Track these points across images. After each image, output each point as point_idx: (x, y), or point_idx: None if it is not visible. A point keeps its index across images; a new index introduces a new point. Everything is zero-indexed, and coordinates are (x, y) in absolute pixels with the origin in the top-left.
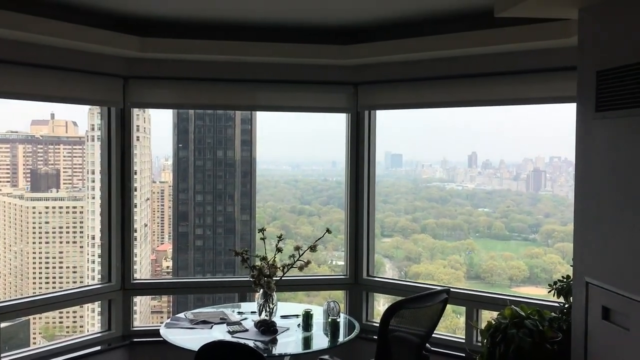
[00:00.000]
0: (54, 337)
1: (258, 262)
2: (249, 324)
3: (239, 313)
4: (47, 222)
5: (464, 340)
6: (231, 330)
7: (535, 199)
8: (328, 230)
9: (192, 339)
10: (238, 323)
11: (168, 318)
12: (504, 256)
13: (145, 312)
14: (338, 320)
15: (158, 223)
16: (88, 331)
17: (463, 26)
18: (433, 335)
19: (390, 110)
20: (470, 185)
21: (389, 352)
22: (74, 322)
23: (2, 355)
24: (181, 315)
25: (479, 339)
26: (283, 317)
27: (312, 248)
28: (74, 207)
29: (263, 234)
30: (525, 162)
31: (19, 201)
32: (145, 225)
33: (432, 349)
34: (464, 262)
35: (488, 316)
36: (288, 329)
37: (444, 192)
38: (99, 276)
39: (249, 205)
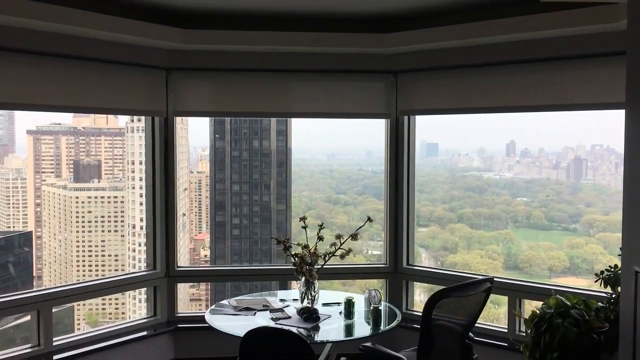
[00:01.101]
0: (97, 323)
1: (299, 250)
2: (291, 311)
3: (281, 300)
4: (89, 212)
5: (506, 330)
6: (274, 317)
7: (576, 188)
8: (369, 219)
9: (236, 325)
10: (281, 310)
11: (207, 306)
12: (544, 246)
13: (184, 300)
14: (380, 308)
15: (196, 213)
16: (129, 318)
17: (505, 12)
18: (475, 324)
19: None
20: (509, 174)
21: (432, 341)
22: (116, 309)
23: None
24: (225, 302)
25: (522, 328)
26: (325, 304)
27: (354, 236)
28: (115, 197)
29: (304, 222)
30: (566, 150)
31: (62, 191)
32: (184, 215)
33: (475, 338)
34: (501, 252)
35: (529, 306)
36: (330, 316)
37: (481, 181)
38: (140, 264)
39: (284, 194)
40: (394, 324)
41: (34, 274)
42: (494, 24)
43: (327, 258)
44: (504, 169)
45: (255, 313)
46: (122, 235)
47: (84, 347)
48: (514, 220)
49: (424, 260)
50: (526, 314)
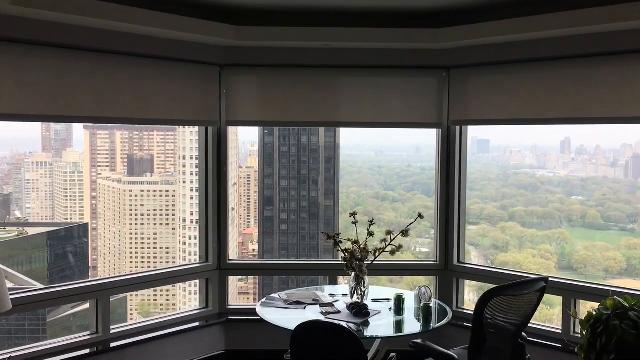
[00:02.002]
0: (149, 314)
1: (349, 246)
2: (340, 306)
3: (331, 295)
4: (142, 205)
5: (560, 331)
6: (324, 312)
7: (634, 187)
8: (420, 215)
9: (287, 318)
10: (330, 304)
11: (255, 299)
12: (599, 247)
13: (233, 293)
14: (431, 305)
15: (244, 207)
16: (180, 309)
17: (560, 6)
18: (528, 324)
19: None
20: (563, 172)
21: (483, 340)
22: (167, 300)
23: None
24: (275, 295)
25: (577, 329)
26: (374, 300)
27: (405, 233)
28: (167, 191)
29: (354, 218)
30: (624, 148)
31: (117, 185)
32: (233, 209)
33: (528, 338)
34: (554, 252)
35: (583, 308)
36: (380, 312)
37: (534, 179)
38: (190, 257)
39: (332, 190)
40: (444, 321)
41: (90, 265)
42: (549, 18)
43: (377, 254)
44: (558, 167)
45: (305, 307)
46: (173, 229)
47: (138, 336)
48: (569, 219)
49: (473, 258)
50: (581, 315)
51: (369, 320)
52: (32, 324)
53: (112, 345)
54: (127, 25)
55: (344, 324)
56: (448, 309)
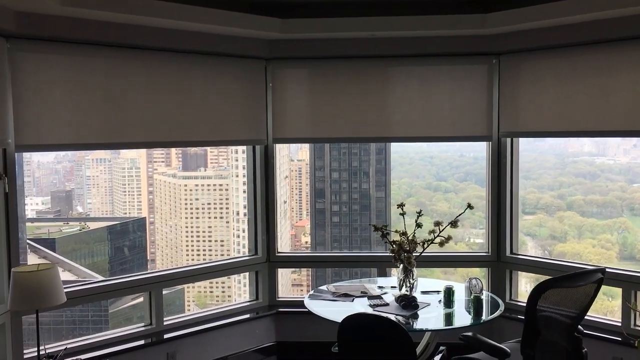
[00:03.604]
0: (205, 305)
1: (397, 238)
2: (389, 298)
3: (379, 287)
4: (196, 199)
5: (620, 324)
6: (372, 304)
7: None
8: (469, 206)
9: (334, 310)
10: (379, 297)
11: (308, 291)
12: None
13: (286, 285)
14: (481, 297)
15: (296, 200)
16: (235, 301)
17: None
18: (585, 317)
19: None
20: (624, 158)
21: (537, 333)
22: (223, 292)
23: (164, 318)
24: (323, 287)
25: (638, 322)
26: (423, 292)
27: (453, 224)
28: (220, 185)
29: (402, 209)
30: None
31: (172, 179)
32: (285, 202)
33: (585, 331)
34: (616, 242)
35: None
36: (429, 304)
37: (593, 166)
38: (244, 249)
39: (384, 182)
40: (496, 314)
41: (148, 258)
42: None
43: (425, 245)
44: (619, 154)
45: (353, 299)
46: (227, 222)
47: (191, 327)
48: (631, 208)
49: (530, 249)
50: None
51: (418, 312)
52: (95, 315)
53: (166, 336)
54: (172, 21)
55: (392, 317)
56: (500, 301)
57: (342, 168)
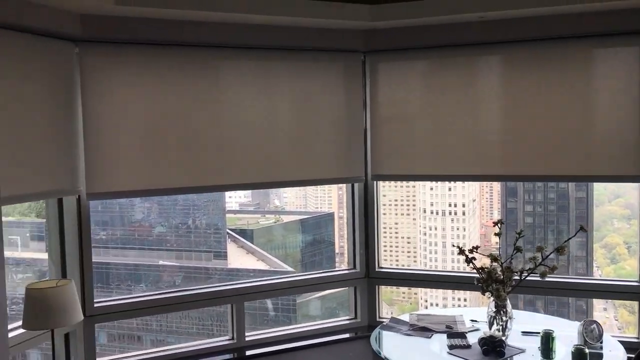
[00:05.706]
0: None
1: (489, 263)
2: (475, 337)
3: (472, 321)
4: (384, 195)
5: None
6: (450, 344)
7: None
8: (582, 228)
9: (404, 349)
10: (462, 336)
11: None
12: None
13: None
14: (586, 351)
15: (487, 199)
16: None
17: None
18: None
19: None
20: None
21: None
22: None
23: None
24: (405, 315)
25: None
26: (524, 333)
27: (560, 250)
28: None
29: (499, 227)
30: None
31: None
32: (474, 201)
33: None
34: None
35: None
36: (523, 351)
37: None
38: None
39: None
40: None
41: (337, 251)
42: None
43: (521, 276)
44: None
45: (431, 335)
46: (414, 219)
47: (274, 346)
48: None
49: None
50: None
51: None
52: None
53: (248, 353)
54: (250, 16)
55: None
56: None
57: None
